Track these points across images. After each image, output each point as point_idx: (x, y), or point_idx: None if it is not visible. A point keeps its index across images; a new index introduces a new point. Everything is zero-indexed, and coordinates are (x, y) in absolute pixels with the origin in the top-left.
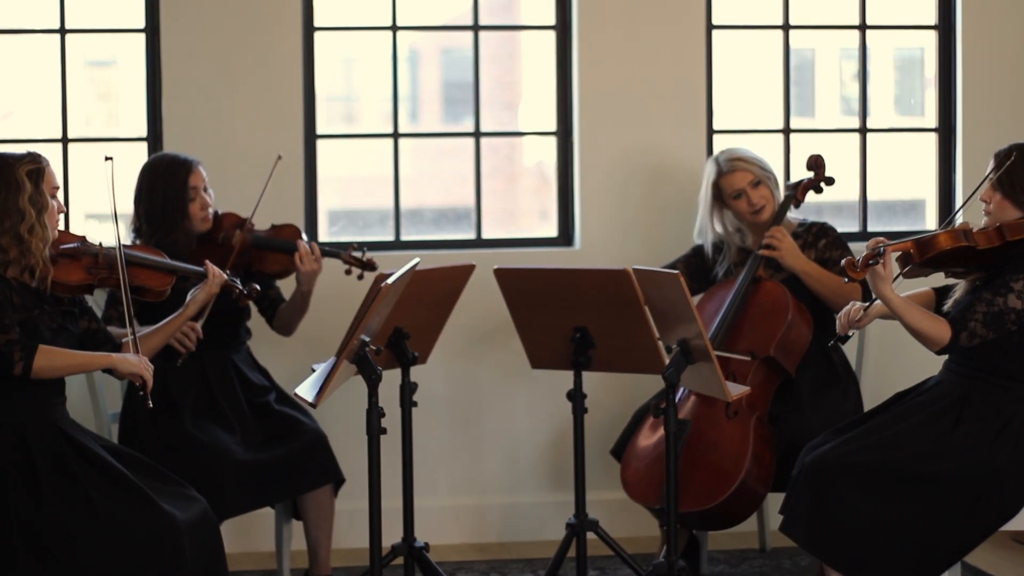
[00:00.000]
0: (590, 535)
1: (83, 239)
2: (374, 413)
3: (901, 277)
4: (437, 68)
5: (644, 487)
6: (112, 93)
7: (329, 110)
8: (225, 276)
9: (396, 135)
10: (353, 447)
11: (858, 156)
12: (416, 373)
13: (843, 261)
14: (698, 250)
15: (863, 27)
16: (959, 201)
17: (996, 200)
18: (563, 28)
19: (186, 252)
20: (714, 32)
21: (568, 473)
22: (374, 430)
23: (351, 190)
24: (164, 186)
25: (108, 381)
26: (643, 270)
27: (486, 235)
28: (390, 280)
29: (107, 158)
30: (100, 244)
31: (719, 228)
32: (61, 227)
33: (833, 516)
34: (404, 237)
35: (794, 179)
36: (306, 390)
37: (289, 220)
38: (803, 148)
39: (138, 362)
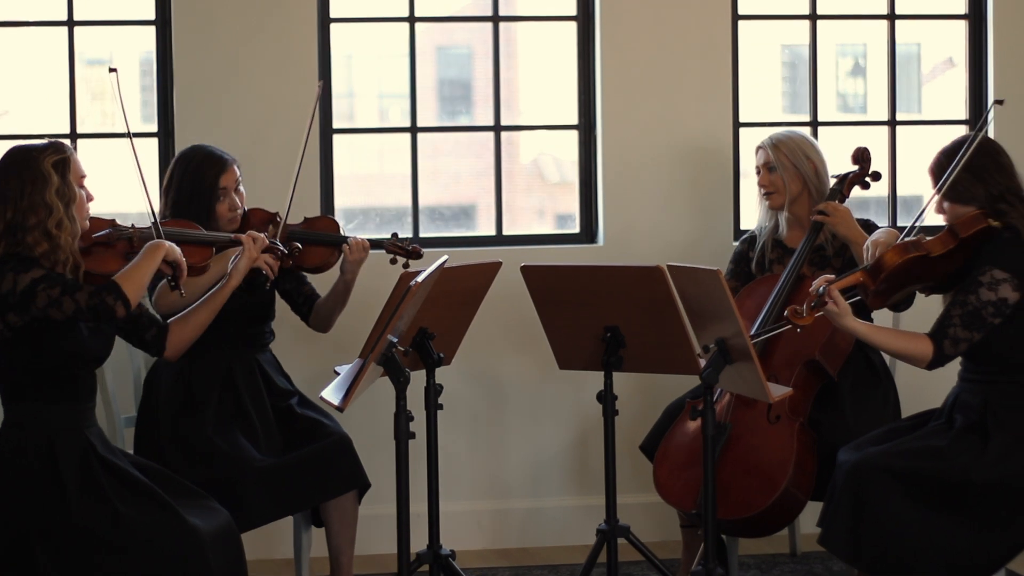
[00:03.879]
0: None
1: (113, 223)
2: (402, 417)
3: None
4: (433, 65)
5: (680, 490)
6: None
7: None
8: (266, 239)
9: (414, 129)
10: (375, 451)
11: (887, 149)
12: (437, 375)
13: (786, 311)
14: (738, 256)
15: (892, 17)
16: None
17: (948, 208)
18: (585, 19)
19: None
20: (740, 23)
21: (593, 476)
22: (402, 434)
23: (364, 187)
24: (193, 180)
25: (121, 384)
26: (679, 266)
27: (488, 232)
28: (419, 278)
29: (111, 69)
30: (132, 226)
31: (761, 210)
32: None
33: (874, 522)
34: (423, 234)
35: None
36: (332, 393)
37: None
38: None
39: (178, 248)
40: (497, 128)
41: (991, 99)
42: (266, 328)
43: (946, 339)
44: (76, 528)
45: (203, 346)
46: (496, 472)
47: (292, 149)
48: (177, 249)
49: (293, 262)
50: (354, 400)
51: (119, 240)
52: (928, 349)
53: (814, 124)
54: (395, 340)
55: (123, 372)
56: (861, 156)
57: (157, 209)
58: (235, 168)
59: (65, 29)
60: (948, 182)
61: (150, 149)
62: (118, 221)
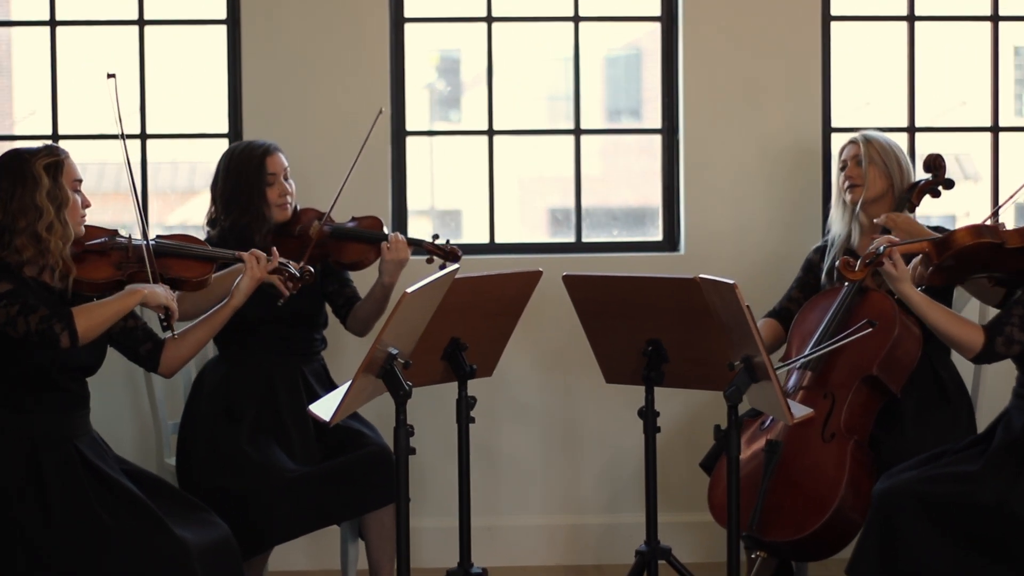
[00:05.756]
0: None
1: (114, 233)
2: (402, 431)
3: (928, 283)
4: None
5: None
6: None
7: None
8: (275, 261)
9: (491, 132)
10: (430, 461)
11: (989, 156)
12: (510, 384)
13: (838, 262)
14: (808, 265)
15: (995, 18)
16: None
17: None
18: (668, 19)
19: (260, 240)
20: (832, 24)
21: (670, 492)
22: (402, 450)
23: (445, 189)
24: (240, 168)
25: (170, 392)
26: (709, 279)
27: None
28: (412, 288)
29: (109, 75)
30: (130, 237)
31: (836, 210)
32: (90, 221)
33: (905, 555)
34: (498, 240)
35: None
36: (323, 407)
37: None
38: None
39: (165, 292)
40: (577, 132)
41: None
42: (315, 335)
43: (1000, 336)
44: (58, 537)
45: (247, 353)
46: (569, 486)
47: (365, 151)
48: (160, 295)
49: (303, 276)
50: (347, 413)
51: (113, 249)
52: (979, 341)
53: (911, 130)
54: (395, 352)
55: (173, 378)
56: (933, 163)
57: (205, 212)
58: (280, 155)
59: (136, 28)
60: None
61: (221, 151)
62: (121, 232)
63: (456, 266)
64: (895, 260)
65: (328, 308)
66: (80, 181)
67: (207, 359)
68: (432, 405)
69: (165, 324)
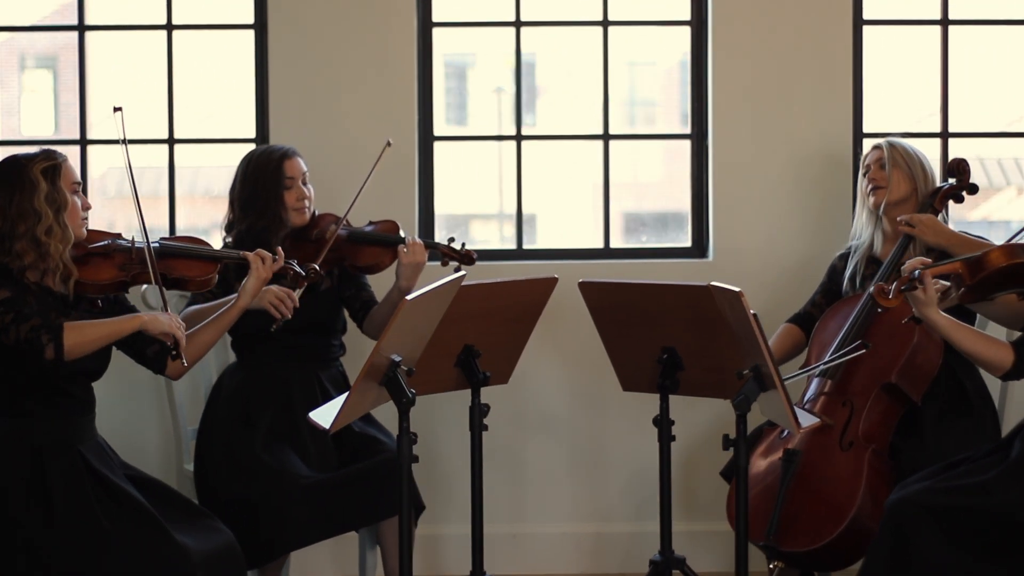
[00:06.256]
0: None
1: (117, 236)
2: (404, 439)
3: (957, 303)
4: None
5: (751, 522)
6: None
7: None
8: (281, 260)
9: (519, 137)
10: (456, 468)
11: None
12: (536, 391)
13: (872, 288)
14: (832, 271)
15: None
16: None
17: None
18: (698, 24)
19: (277, 244)
20: (865, 28)
21: (701, 500)
22: (405, 458)
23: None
24: (257, 171)
25: (191, 397)
26: (718, 287)
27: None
28: (411, 296)
29: (116, 108)
30: (133, 239)
31: (861, 217)
32: (92, 225)
33: (916, 568)
34: (527, 246)
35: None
36: (322, 415)
37: (403, 224)
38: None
39: (169, 320)
40: (606, 137)
41: None
42: (333, 341)
43: None
44: (59, 543)
45: (265, 359)
46: (595, 493)
47: (391, 156)
48: (163, 323)
49: (308, 275)
50: (347, 421)
51: (116, 252)
52: (1008, 359)
53: (944, 136)
54: (398, 359)
55: (195, 384)
56: (957, 167)
57: (223, 216)
58: (299, 160)
59: (164, 33)
60: None
61: None
62: (123, 235)
63: (462, 273)
64: (925, 285)
65: (346, 313)
66: (79, 184)
67: (227, 364)
68: (457, 412)
69: (175, 353)
